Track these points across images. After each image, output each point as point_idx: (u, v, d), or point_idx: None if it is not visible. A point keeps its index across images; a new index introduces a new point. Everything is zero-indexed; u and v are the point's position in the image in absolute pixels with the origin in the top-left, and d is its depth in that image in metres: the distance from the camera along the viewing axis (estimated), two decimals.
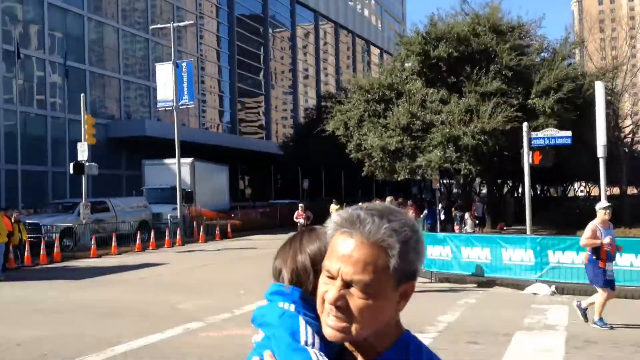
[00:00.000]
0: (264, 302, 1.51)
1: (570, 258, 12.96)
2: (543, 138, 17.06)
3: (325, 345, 1.41)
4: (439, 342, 8.37)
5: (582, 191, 56.29)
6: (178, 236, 25.20)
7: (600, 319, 8.99)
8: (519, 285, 13.11)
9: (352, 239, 1.32)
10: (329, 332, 1.35)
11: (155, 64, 30.94)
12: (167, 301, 11.75)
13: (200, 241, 26.28)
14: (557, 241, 13.57)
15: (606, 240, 9.07)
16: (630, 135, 35.07)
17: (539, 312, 10.54)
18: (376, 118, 27.45)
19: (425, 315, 10.32)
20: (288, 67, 63.17)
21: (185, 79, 27.48)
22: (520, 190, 38.66)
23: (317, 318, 1.42)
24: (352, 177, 45.28)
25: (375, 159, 29.49)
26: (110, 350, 7.96)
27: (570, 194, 51.41)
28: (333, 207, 25.95)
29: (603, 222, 9.29)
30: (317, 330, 1.41)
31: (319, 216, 24.52)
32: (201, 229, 26.98)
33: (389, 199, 19.04)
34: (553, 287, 12.60)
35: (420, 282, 14.81)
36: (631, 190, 39.36)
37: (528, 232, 15.05)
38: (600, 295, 9.07)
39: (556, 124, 22.04)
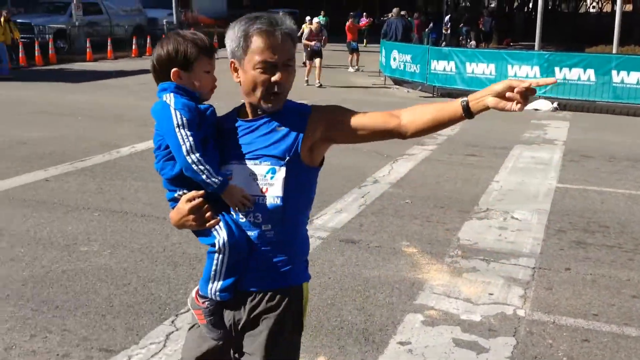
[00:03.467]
0: None
1: (576, 74, 12.78)
2: None
3: (200, 118, 1.95)
4: (437, 154, 8.49)
5: (594, 7, 53.99)
6: None
7: None
8: None
9: (278, 34, 1.86)
10: (270, 106, 1.91)
11: None
12: None
13: None
14: (565, 58, 13.24)
15: None
16: None
17: (539, 127, 10.60)
18: None
19: None
20: None
21: None
22: (530, 5, 37.00)
23: (192, 99, 1.95)
24: None
25: None
26: (115, 151, 8.07)
27: (582, 10, 49.37)
28: (318, 18, 17.16)
29: None
30: (191, 109, 1.92)
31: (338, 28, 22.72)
32: None
33: (395, 10, 18.28)
34: (555, 104, 12.57)
35: (421, 96, 14.72)
36: None
37: (537, 48, 14.60)
38: None
39: None
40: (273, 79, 1.86)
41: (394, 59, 16.16)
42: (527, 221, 5.71)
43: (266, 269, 1.97)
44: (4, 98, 12.52)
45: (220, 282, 1.97)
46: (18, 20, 20.13)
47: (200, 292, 2.04)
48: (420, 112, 1.93)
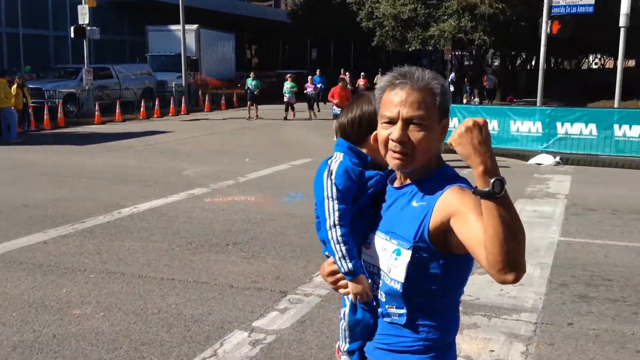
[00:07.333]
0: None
1: (578, 129, 12.87)
2: (564, 6, 16.31)
3: (359, 188, 1.90)
4: None
5: (596, 64, 54.80)
6: (183, 105, 24.96)
7: None
8: (525, 156, 13.09)
9: (406, 88, 1.70)
10: (396, 163, 1.73)
11: None
12: (172, 168, 11.82)
13: (205, 110, 26.10)
14: (566, 113, 13.35)
15: None
16: None
17: (542, 181, 10.57)
18: None
19: None
20: None
21: None
22: (533, 62, 37.63)
23: (359, 163, 1.91)
24: (362, 47, 43.97)
25: (387, 28, 28.47)
26: (117, 212, 8.08)
27: (584, 67, 50.11)
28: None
29: None
30: (351, 177, 1.89)
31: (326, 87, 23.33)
32: (207, 98, 26.70)
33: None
34: (557, 158, 12.58)
35: None
36: None
37: (538, 103, 14.76)
38: None
39: None
40: (390, 136, 1.72)
41: None
42: (530, 275, 5.60)
43: (391, 348, 1.84)
44: (12, 162, 12.70)
45: (347, 345, 2.00)
46: (30, 86, 20.64)
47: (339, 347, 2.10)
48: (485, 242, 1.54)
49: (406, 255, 1.71)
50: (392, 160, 1.74)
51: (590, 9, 16.13)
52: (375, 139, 1.79)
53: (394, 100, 1.71)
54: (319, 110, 24.59)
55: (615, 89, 14.70)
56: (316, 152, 14.18)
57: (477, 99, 26.43)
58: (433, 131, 1.71)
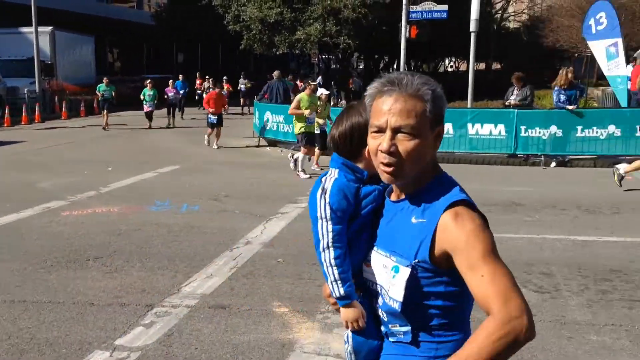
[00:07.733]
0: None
1: None
2: (421, 12, 17.20)
3: (355, 203, 1.81)
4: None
5: (451, 67, 58.55)
6: (37, 112, 23.27)
7: None
8: None
9: (394, 94, 1.62)
10: (386, 177, 1.65)
11: None
12: (24, 180, 10.94)
13: (62, 118, 24.54)
14: None
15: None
16: (500, 12, 36.29)
17: None
18: None
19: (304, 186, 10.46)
20: None
21: None
22: (395, 65, 39.40)
23: (355, 179, 1.83)
24: (230, 51, 43.67)
25: (254, 32, 28.44)
26: None
27: (441, 70, 53.32)
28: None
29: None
30: (347, 196, 1.79)
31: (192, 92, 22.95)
32: (64, 105, 25.13)
33: (277, 72, 18.46)
34: None
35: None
36: (495, 66, 41.41)
37: None
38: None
39: None
40: (379, 147, 1.63)
41: (267, 120, 16.34)
42: None
43: None
44: None
45: None
46: None
47: None
48: None
49: (404, 272, 1.64)
50: (382, 173, 1.66)
51: (444, 15, 17.18)
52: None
53: (382, 108, 1.63)
54: (182, 117, 24.22)
55: (467, 90, 15.71)
56: (182, 159, 13.81)
57: (343, 101, 27.18)
58: (424, 140, 1.63)
